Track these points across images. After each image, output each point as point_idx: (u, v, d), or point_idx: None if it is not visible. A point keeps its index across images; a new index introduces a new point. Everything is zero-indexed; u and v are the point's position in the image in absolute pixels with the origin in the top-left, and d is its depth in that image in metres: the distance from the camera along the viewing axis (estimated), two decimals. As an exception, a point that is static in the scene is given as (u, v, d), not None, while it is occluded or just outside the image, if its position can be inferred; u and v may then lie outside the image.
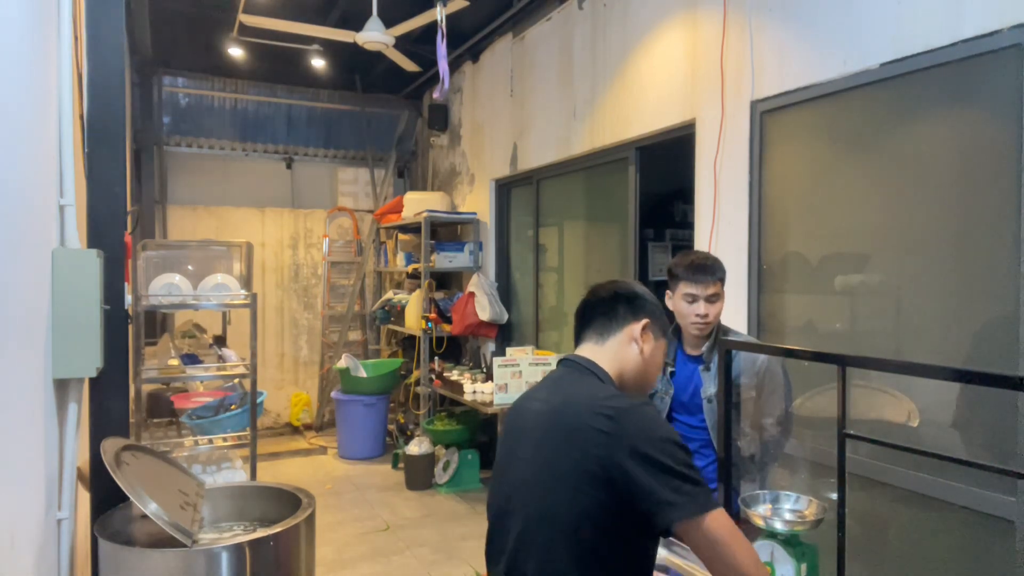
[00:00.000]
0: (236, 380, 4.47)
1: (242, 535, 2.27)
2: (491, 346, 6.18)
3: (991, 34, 2.35)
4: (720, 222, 3.54)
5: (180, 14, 5.88)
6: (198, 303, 3.86)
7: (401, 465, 5.81)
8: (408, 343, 7.15)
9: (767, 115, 3.29)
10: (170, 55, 6.74)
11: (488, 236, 6.32)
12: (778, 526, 1.72)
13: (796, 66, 3.11)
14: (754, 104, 3.34)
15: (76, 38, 2.30)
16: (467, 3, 4.44)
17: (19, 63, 1.71)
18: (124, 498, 2.05)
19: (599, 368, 1.57)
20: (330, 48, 6.37)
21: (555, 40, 5.17)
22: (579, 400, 1.47)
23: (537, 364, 4.85)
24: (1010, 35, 2.29)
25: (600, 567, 1.40)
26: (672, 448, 1.37)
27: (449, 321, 6.23)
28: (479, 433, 5.90)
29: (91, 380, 2.31)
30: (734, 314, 3.27)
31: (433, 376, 6.14)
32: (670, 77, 3.95)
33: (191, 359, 4.36)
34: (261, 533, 2.13)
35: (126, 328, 2.46)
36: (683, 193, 5.44)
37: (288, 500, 2.45)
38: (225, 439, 3.76)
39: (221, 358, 4.49)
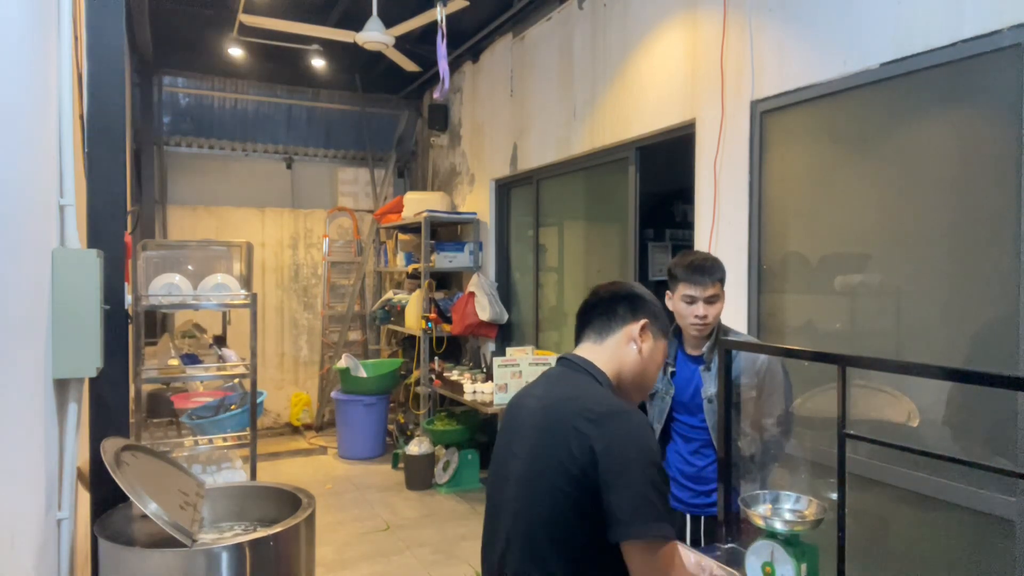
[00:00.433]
0: (236, 380, 4.47)
1: (242, 535, 2.27)
2: (491, 346, 6.18)
3: (991, 34, 2.35)
4: (720, 222, 3.54)
5: (180, 14, 5.88)
6: (198, 303, 3.86)
7: (401, 465, 5.82)
8: (408, 343, 7.15)
9: (767, 115, 3.29)
10: (170, 55, 6.74)
11: (488, 236, 6.32)
12: (778, 526, 1.72)
13: (796, 66, 3.11)
14: (754, 104, 3.34)
15: (76, 38, 2.30)
16: (467, 3, 4.43)
17: (19, 63, 1.71)
18: (124, 498, 2.05)
19: (595, 368, 1.58)
20: (330, 48, 6.37)
21: (555, 40, 5.17)
22: (569, 401, 1.48)
23: (537, 364, 4.85)
24: (1010, 35, 2.29)
25: (583, 566, 1.41)
26: (645, 465, 1.36)
27: (449, 321, 6.23)
28: (479, 433, 5.90)
29: (91, 380, 2.31)
30: (734, 314, 3.27)
31: (433, 376, 6.14)
32: (670, 77, 3.94)
33: (191, 359, 4.35)
34: (261, 533, 2.13)
35: (126, 328, 2.46)
36: (683, 193, 5.44)
37: (288, 500, 2.45)
38: (225, 439, 3.76)
39: (221, 358, 4.49)
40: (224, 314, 5.65)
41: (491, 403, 4.96)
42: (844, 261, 2.96)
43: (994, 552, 2.37)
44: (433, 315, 6.17)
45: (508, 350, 5.21)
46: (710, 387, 2.35)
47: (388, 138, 7.99)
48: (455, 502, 5.32)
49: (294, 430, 7.52)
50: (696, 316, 2.29)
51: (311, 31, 4.99)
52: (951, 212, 2.55)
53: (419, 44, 6.05)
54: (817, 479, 2.72)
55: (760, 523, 1.76)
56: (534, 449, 1.49)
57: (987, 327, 2.44)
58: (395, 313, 7.02)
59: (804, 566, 1.69)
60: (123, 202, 2.45)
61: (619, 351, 1.60)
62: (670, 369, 2.44)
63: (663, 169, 4.58)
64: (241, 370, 3.96)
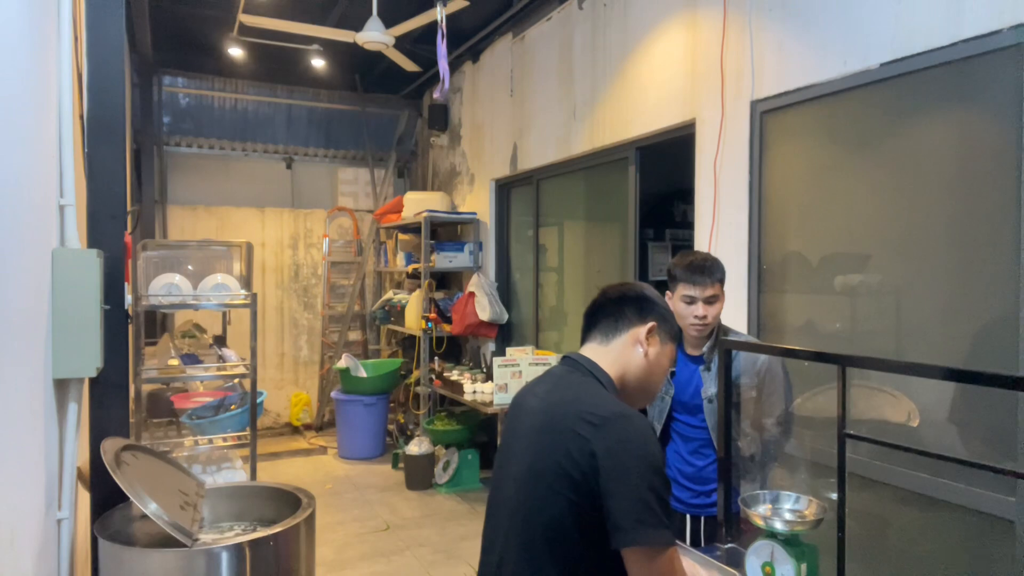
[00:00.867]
0: (236, 380, 4.47)
1: (242, 535, 2.27)
2: (491, 346, 6.18)
3: (991, 34, 2.35)
4: (720, 222, 3.54)
5: (180, 14, 5.88)
6: (198, 303, 3.86)
7: (401, 465, 5.81)
8: (408, 343, 7.15)
9: (767, 115, 3.29)
10: (170, 55, 6.74)
11: (488, 236, 6.32)
12: (778, 526, 1.72)
13: (796, 66, 3.11)
14: (754, 104, 3.34)
15: (76, 38, 2.30)
16: (467, 3, 4.44)
17: (19, 63, 1.71)
18: (124, 498, 2.05)
19: (599, 370, 1.56)
20: (330, 48, 6.37)
21: (555, 40, 5.17)
22: (571, 403, 1.47)
23: (537, 364, 4.85)
24: (1010, 35, 2.29)
25: (578, 569, 1.40)
26: (646, 471, 1.35)
27: (449, 321, 6.23)
28: (479, 433, 5.89)
29: (91, 380, 2.31)
30: (734, 314, 3.27)
31: (433, 376, 6.14)
32: (670, 77, 3.95)
33: (191, 359, 4.36)
34: (261, 533, 2.13)
35: (126, 328, 2.46)
36: (683, 193, 5.44)
37: (288, 500, 2.45)
38: (225, 439, 3.76)
39: (221, 358, 4.49)
40: (224, 314, 5.65)
41: (491, 403, 4.96)
42: (844, 261, 2.96)
43: (994, 552, 2.37)
44: (433, 315, 6.17)
45: (508, 350, 5.21)
46: (710, 387, 2.35)
47: (388, 138, 7.99)
48: (455, 502, 5.32)
49: (294, 430, 7.52)
50: (696, 316, 2.29)
51: (311, 31, 4.99)
52: (951, 212, 2.55)
53: (419, 44, 6.05)
54: (817, 479, 2.72)
55: (760, 523, 1.76)
56: (533, 451, 1.48)
57: (987, 327, 2.44)
58: (395, 313, 7.02)
59: (804, 566, 1.69)
60: (123, 202, 2.45)
61: (624, 353, 1.58)
62: (670, 369, 2.44)
63: (663, 169, 4.58)
64: (241, 370, 3.96)
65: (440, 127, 7.13)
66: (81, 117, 2.41)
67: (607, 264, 4.86)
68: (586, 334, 1.65)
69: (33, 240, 1.86)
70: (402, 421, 6.84)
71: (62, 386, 2.18)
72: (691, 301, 2.30)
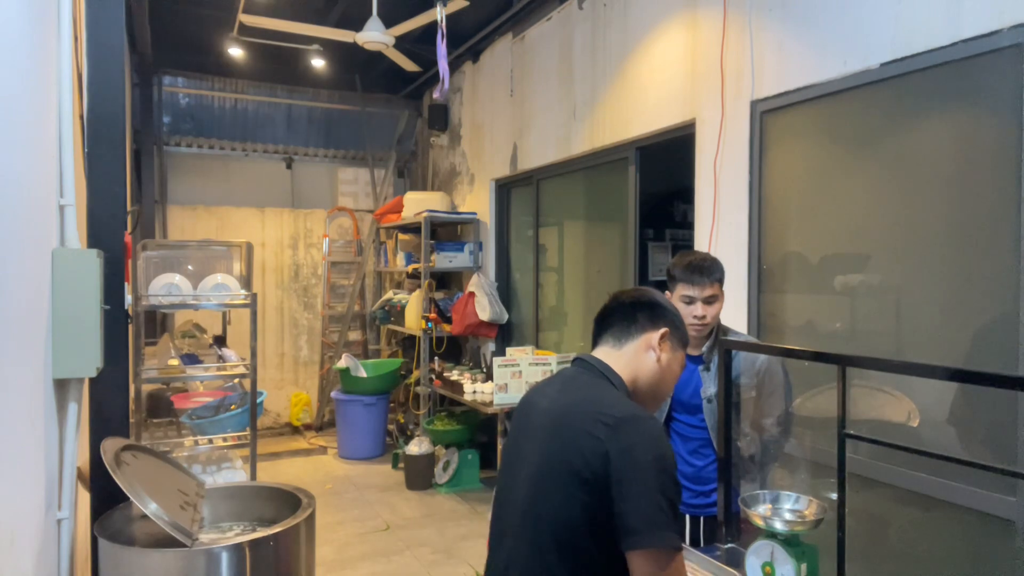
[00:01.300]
0: (236, 380, 4.47)
1: (242, 535, 2.27)
2: (491, 346, 6.18)
3: (991, 34, 2.35)
4: (720, 222, 3.54)
5: (180, 14, 5.89)
6: (198, 303, 3.86)
7: (401, 465, 5.81)
8: (408, 343, 7.15)
9: (767, 115, 3.29)
10: (170, 55, 6.74)
11: (488, 236, 6.32)
12: (778, 526, 1.72)
13: (796, 66, 3.11)
14: (754, 104, 3.34)
15: (76, 38, 2.30)
16: (467, 3, 4.44)
17: (19, 63, 1.71)
18: (124, 498, 2.04)
19: (612, 372, 1.56)
20: (330, 48, 6.37)
21: (555, 40, 5.17)
22: (584, 404, 1.47)
23: (537, 364, 4.85)
24: (1010, 35, 2.29)
25: (588, 570, 1.40)
26: (659, 473, 1.35)
27: (449, 321, 6.23)
28: (479, 433, 5.89)
29: (91, 380, 2.31)
30: (734, 314, 3.27)
31: (433, 376, 6.14)
32: (670, 77, 3.95)
33: (191, 359, 4.36)
34: (261, 533, 2.13)
35: (126, 328, 2.46)
36: (683, 193, 5.44)
37: (288, 500, 2.45)
38: (225, 439, 3.76)
39: (221, 358, 4.49)
40: (224, 314, 5.65)
41: (491, 403, 4.96)
42: (844, 261, 2.96)
43: (994, 552, 2.37)
44: (433, 315, 6.17)
45: (508, 350, 5.21)
46: (709, 387, 2.35)
47: (388, 138, 7.99)
48: (455, 502, 5.32)
49: (294, 430, 7.51)
50: (695, 316, 2.29)
51: (311, 31, 4.99)
52: (951, 212, 2.55)
53: (419, 44, 6.05)
54: (817, 479, 2.72)
55: (760, 523, 1.76)
56: (545, 450, 1.47)
57: (987, 327, 2.44)
58: (395, 313, 7.02)
59: (804, 566, 1.69)
60: (123, 202, 2.45)
61: (637, 358, 1.59)
62: (680, 375, 2.43)
63: (663, 169, 4.59)
64: (241, 370, 3.96)
65: (440, 127, 7.13)
66: (81, 117, 2.41)
67: (607, 264, 4.86)
68: (597, 338, 1.65)
69: (33, 240, 1.86)
70: (402, 421, 6.84)
71: (62, 386, 2.18)
72: (690, 301, 2.30)
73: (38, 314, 1.93)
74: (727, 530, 2.06)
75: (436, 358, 6.36)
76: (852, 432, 1.66)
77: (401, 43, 5.03)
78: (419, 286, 6.34)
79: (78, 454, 2.27)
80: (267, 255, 7.50)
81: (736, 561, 1.88)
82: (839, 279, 2.98)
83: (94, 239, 2.34)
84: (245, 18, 5.01)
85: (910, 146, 2.69)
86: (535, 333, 5.70)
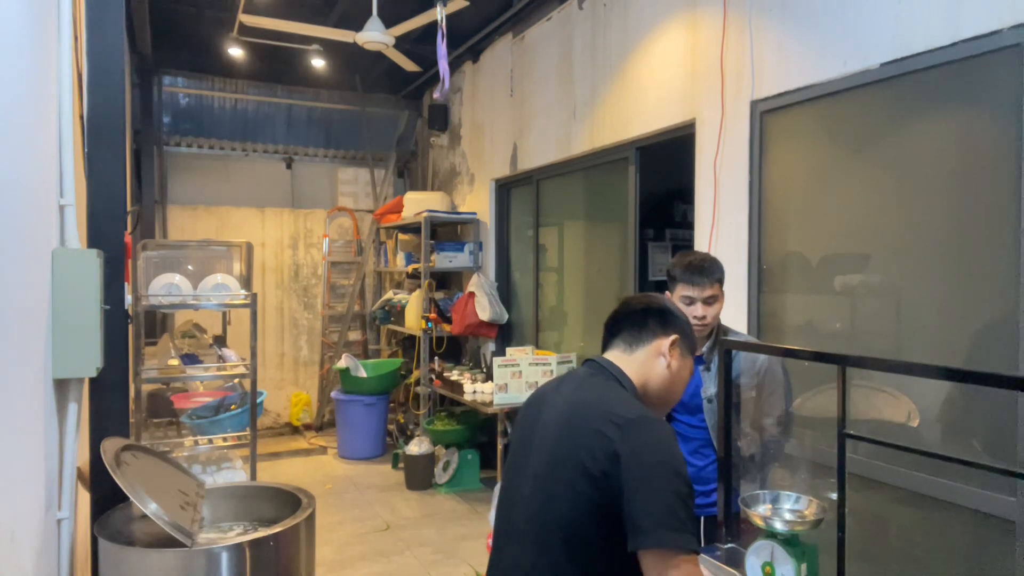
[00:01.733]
0: (236, 380, 4.47)
1: (242, 535, 2.27)
2: (491, 346, 6.18)
3: (991, 34, 2.35)
4: (720, 222, 3.54)
5: (180, 14, 5.88)
6: (198, 303, 3.86)
7: (401, 465, 5.81)
8: (408, 343, 7.15)
9: (767, 115, 3.29)
10: (170, 55, 6.74)
11: (488, 236, 6.32)
12: (778, 526, 1.72)
13: (796, 66, 3.11)
14: (754, 104, 3.34)
15: (76, 38, 2.30)
16: (467, 3, 4.44)
17: (19, 63, 1.71)
18: (124, 498, 2.05)
19: (623, 375, 1.58)
20: (330, 48, 6.37)
21: (555, 40, 5.17)
22: (596, 404, 1.48)
23: (537, 364, 4.85)
24: (1010, 35, 2.29)
25: (595, 568, 1.41)
26: (670, 475, 1.35)
27: (449, 321, 6.23)
28: (479, 433, 5.89)
29: (91, 380, 2.31)
30: (734, 314, 3.27)
31: (433, 376, 6.14)
32: (670, 77, 3.95)
33: (191, 359, 4.36)
34: (261, 533, 2.13)
35: (126, 328, 2.46)
36: (683, 193, 5.44)
37: (288, 500, 2.45)
38: (225, 439, 3.76)
39: (221, 358, 4.49)
40: (224, 314, 5.65)
41: (491, 403, 4.95)
42: (844, 261, 2.96)
43: (994, 552, 2.37)
44: (433, 315, 6.17)
45: (508, 350, 5.21)
46: (709, 387, 2.35)
47: (388, 138, 7.99)
48: (455, 502, 5.32)
49: (294, 430, 7.52)
50: (695, 317, 2.29)
51: (311, 31, 4.99)
52: (951, 212, 2.55)
53: (419, 44, 6.05)
54: (817, 479, 2.72)
55: (760, 523, 1.76)
56: (554, 448, 1.48)
57: (987, 327, 2.44)
58: (395, 313, 7.02)
59: (804, 566, 1.68)
60: (123, 202, 2.45)
61: (647, 363, 1.60)
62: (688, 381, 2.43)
63: (663, 169, 4.58)
64: (241, 370, 3.96)
65: (440, 127, 7.13)
66: (81, 117, 2.41)
67: (607, 264, 4.86)
68: (607, 343, 1.67)
69: (33, 240, 1.86)
70: (402, 421, 6.84)
71: (62, 386, 2.18)
72: (690, 302, 2.30)
73: (38, 314, 1.93)
74: (727, 530, 2.06)
75: (436, 358, 6.36)
76: (852, 432, 1.66)
77: (401, 43, 5.03)
78: (419, 286, 6.34)
79: (78, 454, 2.28)
80: (267, 255, 7.50)
81: (736, 561, 1.88)
82: (839, 279, 2.98)
83: (94, 239, 2.34)
84: (245, 18, 5.01)
85: (910, 146, 2.69)
86: (535, 333, 5.70)
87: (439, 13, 4.20)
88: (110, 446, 2.13)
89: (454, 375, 6.05)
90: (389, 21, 4.64)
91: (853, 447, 1.69)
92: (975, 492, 2.37)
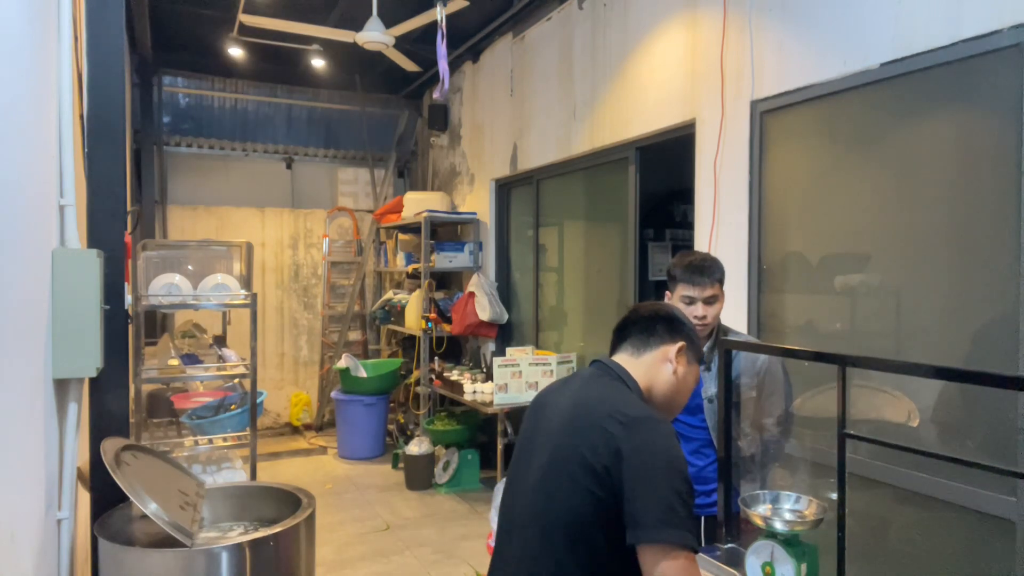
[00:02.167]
0: (236, 380, 4.47)
1: (242, 535, 2.27)
2: (491, 346, 6.18)
3: (991, 34, 2.35)
4: (720, 222, 3.54)
5: (180, 14, 5.88)
6: (198, 303, 3.86)
7: (401, 465, 5.81)
8: (408, 343, 7.15)
9: (767, 115, 3.29)
10: (170, 55, 6.74)
11: (488, 236, 6.32)
12: (778, 526, 1.72)
13: (796, 66, 3.11)
14: (754, 104, 3.34)
15: (76, 38, 2.30)
16: (467, 3, 4.44)
17: (19, 63, 1.71)
18: (124, 498, 2.05)
19: (629, 377, 1.60)
20: (330, 48, 6.37)
21: (555, 40, 5.17)
22: (600, 401, 1.51)
23: (537, 364, 4.85)
24: (1010, 35, 2.29)
25: (597, 563, 1.42)
26: (672, 474, 1.37)
27: (449, 321, 6.23)
28: (479, 433, 5.89)
29: (91, 380, 2.31)
30: (734, 314, 3.27)
31: (433, 376, 6.14)
32: (670, 77, 3.95)
33: (191, 359, 4.36)
34: (261, 533, 2.13)
35: (126, 328, 2.46)
36: (683, 193, 5.44)
37: (288, 500, 2.45)
38: (225, 439, 3.76)
39: (221, 358, 4.49)
40: (224, 314, 5.65)
41: (491, 403, 4.95)
42: (844, 261, 2.96)
43: (994, 552, 2.37)
44: (433, 315, 6.17)
45: (508, 350, 5.21)
46: (710, 387, 2.35)
47: (388, 138, 7.99)
48: (455, 502, 5.32)
49: (294, 430, 7.51)
50: (695, 316, 2.29)
51: (311, 31, 4.99)
52: (951, 212, 2.55)
53: (419, 44, 6.05)
54: (817, 479, 2.72)
55: (760, 523, 1.76)
56: (559, 443, 1.51)
57: (987, 327, 2.44)
58: (395, 313, 7.02)
59: (804, 566, 1.69)
60: (123, 202, 2.45)
61: (654, 368, 1.63)
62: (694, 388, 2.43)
63: (663, 169, 4.58)
64: (241, 370, 3.96)
65: (440, 127, 7.13)
66: (81, 117, 2.41)
67: (607, 264, 4.86)
68: (615, 347, 1.70)
69: (33, 240, 1.86)
70: (402, 421, 6.84)
71: (62, 386, 2.18)
72: (690, 301, 2.30)
73: (38, 314, 1.93)
74: (727, 530, 2.06)
75: (436, 358, 6.36)
76: (852, 432, 1.66)
77: (401, 43, 5.03)
78: (419, 286, 6.34)
79: (78, 454, 2.28)
80: (267, 255, 7.50)
81: (736, 561, 1.88)
82: (839, 279, 2.98)
83: (94, 239, 2.34)
84: (245, 18, 5.01)
85: (910, 146, 2.69)
86: (535, 333, 5.70)
87: (439, 13, 4.20)
88: (110, 446, 2.13)
89: (454, 375, 6.05)
90: (389, 21, 4.64)
91: (853, 447, 1.69)
92: (975, 492, 2.37)
